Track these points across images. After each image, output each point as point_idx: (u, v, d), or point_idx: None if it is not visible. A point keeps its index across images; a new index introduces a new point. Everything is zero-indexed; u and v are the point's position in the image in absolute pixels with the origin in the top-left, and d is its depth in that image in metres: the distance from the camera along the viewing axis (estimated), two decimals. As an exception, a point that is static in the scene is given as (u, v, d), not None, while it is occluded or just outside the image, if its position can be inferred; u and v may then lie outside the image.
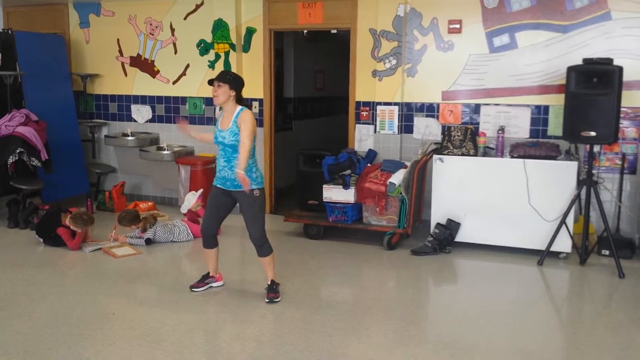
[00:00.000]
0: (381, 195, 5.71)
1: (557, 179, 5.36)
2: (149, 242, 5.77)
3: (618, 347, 3.77)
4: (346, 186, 5.86)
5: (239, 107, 4.29)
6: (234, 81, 4.30)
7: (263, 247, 4.40)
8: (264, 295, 4.41)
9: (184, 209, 6.32)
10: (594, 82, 5.06)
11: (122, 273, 5.10)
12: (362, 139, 6.65)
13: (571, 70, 5.18)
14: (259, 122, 7.05)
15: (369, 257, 5.55)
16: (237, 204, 4.42)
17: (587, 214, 5.34)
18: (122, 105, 7.85)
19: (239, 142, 4.18)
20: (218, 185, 4.39)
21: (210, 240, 4.55)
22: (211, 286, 4.64)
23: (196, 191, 6.40)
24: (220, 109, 4.42)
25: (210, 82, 4.31)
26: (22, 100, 6.89)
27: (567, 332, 4.06)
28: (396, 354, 3.61)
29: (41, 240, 5.78)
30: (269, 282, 4.46)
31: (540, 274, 5.15)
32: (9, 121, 6.38)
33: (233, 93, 4.27)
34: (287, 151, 7.94)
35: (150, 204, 7.07)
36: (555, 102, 5.90)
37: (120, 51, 7.75)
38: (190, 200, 6.28)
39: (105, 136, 7.76)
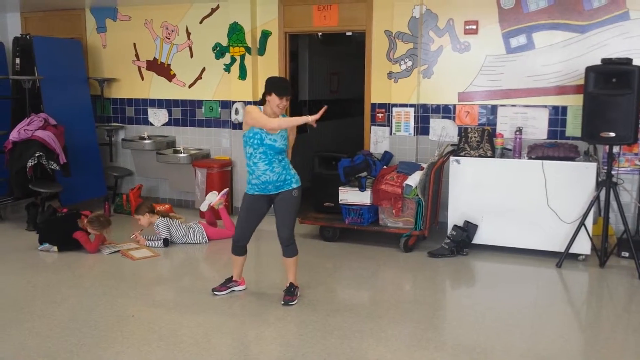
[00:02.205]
0: (397, 197, 5.69)
1: (575, 181, 5.31)
2: (166, 242, 5.80)
3: (639, 350, 3.72)
4: (362, 188, 5.85)
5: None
6: (266, 88, 4.29)
7: (289, 248, 4.40)
8: (281, 297, 4.42)
9: (203, 206, 6.33)
10: (613, 83, 5.01)
11: (140, 275, 5.13)
12: (378, 140, 6.63)
13: (590, 70, 5.13)
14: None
15: (385, 260, 5.53)
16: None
17: (607, 215, 5.29)
18: (139, 109, 7.91)
19: (287, 145, 4.33)
20: (256, 193, 4.32)
21: (241, 249, 4.53)
22: (233, 290, 4.64)
23: (219, 192, 6.42)
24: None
25: (282, 94, 4.22)
26: (40, 104, 6.97)
27: (587, 335, 4.02)
28: (415, 357, 3.59)
29: (53, 248, 5.71)
30: (288, 284, 4.46)
31: (559, 277, 5.10)
32: (27, 125, 6.45)
33: (269, 97, 4.27)
34: (302, 154, 7.94)
35: (167, 206, 7.10)
36: (574, 103, 5.85)
37: (136, 55, 7.81)
38: (212, 198, 6.29)
39: (123, 139, 7.83)
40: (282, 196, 4.29)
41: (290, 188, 4.30)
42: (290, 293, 4.43)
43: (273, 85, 4.25)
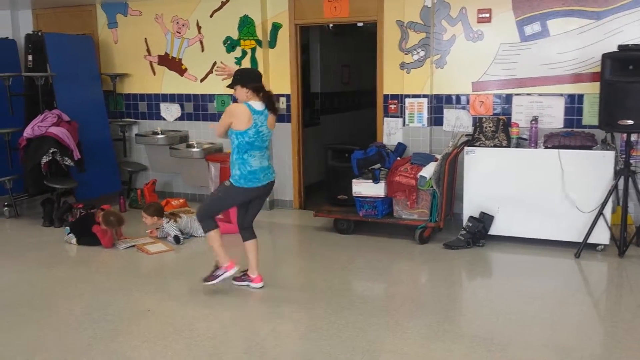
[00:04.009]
0: (412, 189, 5.65)
1: (593, 170, 5.23)
2: (177, 239, 5.80)
3: (661, 340, 3.67)
4: (376, 180, 5.81)
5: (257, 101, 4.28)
6: (240, 79, 4.28)
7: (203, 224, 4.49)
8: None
9: None
10: (630, 70, 4.92)
11: (155, 269, 5.15)
12: (391, 132, 6.58)
13: (606, 57, 5.05)
14: (287, 118, 7.06)
15: (400, 252, 5.50)
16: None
17: (625, 204, 5.21)
18: (152, 104, 7.92)
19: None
20: (257, 185, 4.34)
21: (245, 233, 4.56)
22: (249, 285, 4.62)
23: None
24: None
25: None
26: (53, 101, 6.99)
27: (606, 326, 3.96)
28: (432, 349, 3.56)
29: (73, 239, 5.85)
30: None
31: (577, 267, 5.04)
32: (41, 122, 6.48)
33: (249, 90, 4.25)
34: (315, 146, 7.92)
35: (181, 200, 7.12)
36: (590, 91, 5.76)
37: (148, 50, 7.81)
38: None
39: (136, 135, 7.85)
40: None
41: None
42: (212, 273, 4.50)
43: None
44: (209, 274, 4.48)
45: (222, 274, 4.45)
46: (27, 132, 6.45)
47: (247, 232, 4.56)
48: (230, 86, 4.32)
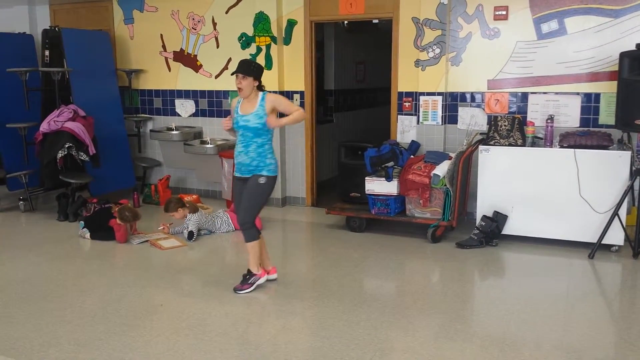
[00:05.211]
0: (425, 187, 5.62)
1: (609, 170, 5.18)
2: (191, 236, 5.82)
3: (676, 343, 3.62)
4: (389, 178, 5.80)
5: (260, 92, 4.34)
6: (257, 71, 4.32)
7: (246, 232, 4.41)
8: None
9: None
10: (648, 68, 4.87)
11: (168, 265, 5.18)
12: (405, 130, 6.56)
13: (624, 56, 4.99)
14: (301, 115, 7.05)
15: (412, 250, 5.48)
16: None
17: (641, 205, 5.15)
18: (166, 100, 7.96)
19: (264, 125, 4.25)
20: (237, 175, 4.41)
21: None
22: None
23: None
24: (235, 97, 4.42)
25: (234, 73, 4.31)
26: (69, 96, 7.06)
27: (620, 328, 3.92)
28: (444, 348, 3.55)
29: (87, 234, 5.89)
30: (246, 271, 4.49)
31: (591, 268, 5.00)
32: (57, 117, 6.55)
33: (257, 83, 4.31)
34: (328, 144, 7.91)
35: (194, 196, 7.15)
36: (607, 90, 5.70)
37: (163, 46, 7.85)
38: None
39: (151, 130, 7.89)
40: (250, 180, 4.33)
41: (259, 174, 4.30)
42: (243, 281, 4.44)
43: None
44: (242, 283, 4.48)
45: (257, 282, 4.49)
46: (44, 127, 6.51)
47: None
48: (246, 74, 4.25)
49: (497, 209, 5.55)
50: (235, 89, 4.34)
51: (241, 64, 4.34)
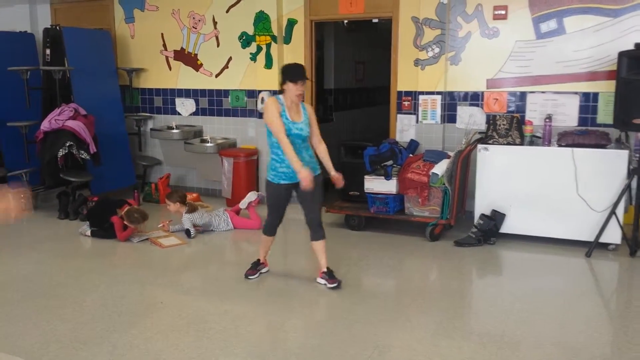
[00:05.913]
0: (424, 186, 5.65)
1: (606, 169, 5.20)
2: (188, 233, 5.84)
3: (672, 341, 3.65)
4: (388, 177, 5.82)
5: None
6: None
7: (321, 231, 4.52)
8: (316, 282, 4.55)
9: (243, 204, 6.30)
10: (646, 68, 4.89)
11: (168, 263, 5.21)
12: (404, 129, 6.58)
13: (622, 55, 5.01)
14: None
15: (411, 248, 5.51)
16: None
17: (638, 204, 5.17)
18: (167, 99, 7.99)
19: (308, 133, 4.32)
20: (283, 182, 4.35)
21: (273, 229, 4.65)
22: (261, 272, 4.76)
23: (257, 191, 6.47)
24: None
25: (296, 79, 4.21)
26: (70, 94, 7.08)
27: (616, 326, 3.95)
28: (441, 345, 3.58)
29: (88, 231, 5.91)
30: (327, 269, 4.57)
31: (588, 266, 5.02)
32: (58, 115, 6.57)
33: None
34: (328, 142, 7.91)
35: (195, 195, 7.18)
36: (605, 89, 5.72)
37: (164, 45, 7.87)
38: (252, 197, 6.30)
39: (151, 129, 7.92)
40: (316, 179, 4.33)
41: (317, 174, 4.38)
42: (332, 276, 4.51)
43: (287, 73, 4.28)
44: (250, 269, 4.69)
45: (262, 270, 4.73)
46: (44, 126, 6.54)
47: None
48: (304, 80, 4.25)
49: (495, 207, 5.58)
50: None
51: (304, 69, 4.31)
